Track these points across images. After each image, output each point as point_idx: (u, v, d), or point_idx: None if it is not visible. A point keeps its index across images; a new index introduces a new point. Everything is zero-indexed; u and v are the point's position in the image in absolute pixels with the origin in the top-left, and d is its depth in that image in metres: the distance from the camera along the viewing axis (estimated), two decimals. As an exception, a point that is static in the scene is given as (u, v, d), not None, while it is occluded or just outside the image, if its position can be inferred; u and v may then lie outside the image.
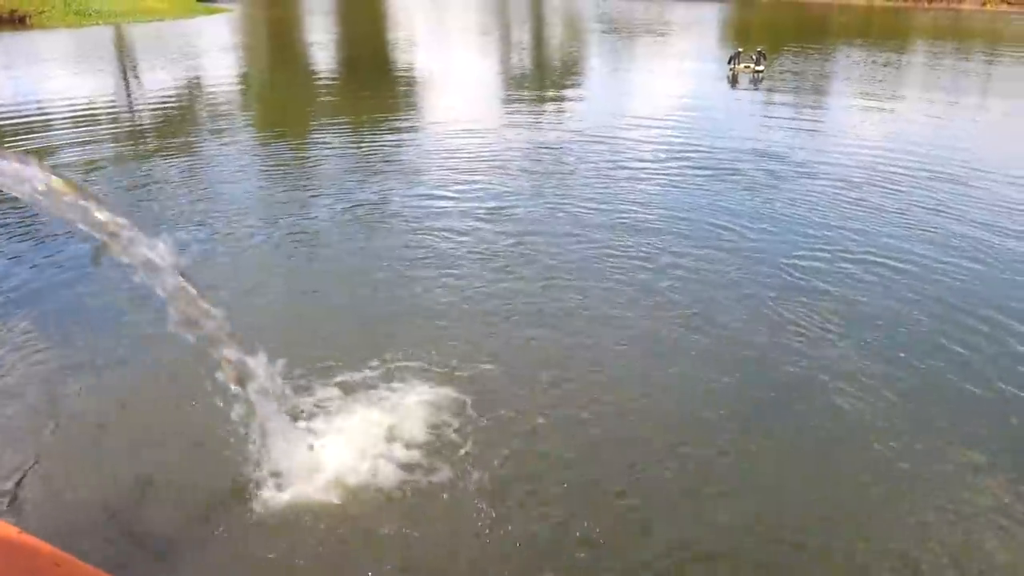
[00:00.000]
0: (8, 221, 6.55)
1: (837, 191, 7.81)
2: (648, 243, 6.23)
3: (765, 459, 3.66)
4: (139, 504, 3.29)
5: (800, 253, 6.10)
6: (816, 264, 5.87)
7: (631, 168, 8.57)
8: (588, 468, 3.55)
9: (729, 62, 16.53)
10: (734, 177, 8.26)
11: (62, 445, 3.70)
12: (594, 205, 7.20)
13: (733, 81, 15.61)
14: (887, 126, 11.56)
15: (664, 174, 8.36)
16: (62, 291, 5.29)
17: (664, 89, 14.78)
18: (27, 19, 26.01)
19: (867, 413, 3.96)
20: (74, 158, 9.07)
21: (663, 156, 9.14)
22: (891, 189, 7.92)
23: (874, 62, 18.65)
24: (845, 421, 3.92)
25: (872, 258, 6.00)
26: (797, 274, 5.67)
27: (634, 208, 7.13)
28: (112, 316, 4.87)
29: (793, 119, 11.88)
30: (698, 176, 8.29)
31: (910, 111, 12.88)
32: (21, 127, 10.90)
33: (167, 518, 3.20)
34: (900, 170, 8.64)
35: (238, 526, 3.15)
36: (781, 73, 16.52)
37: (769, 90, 14.62)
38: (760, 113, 12.50)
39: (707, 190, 7.79)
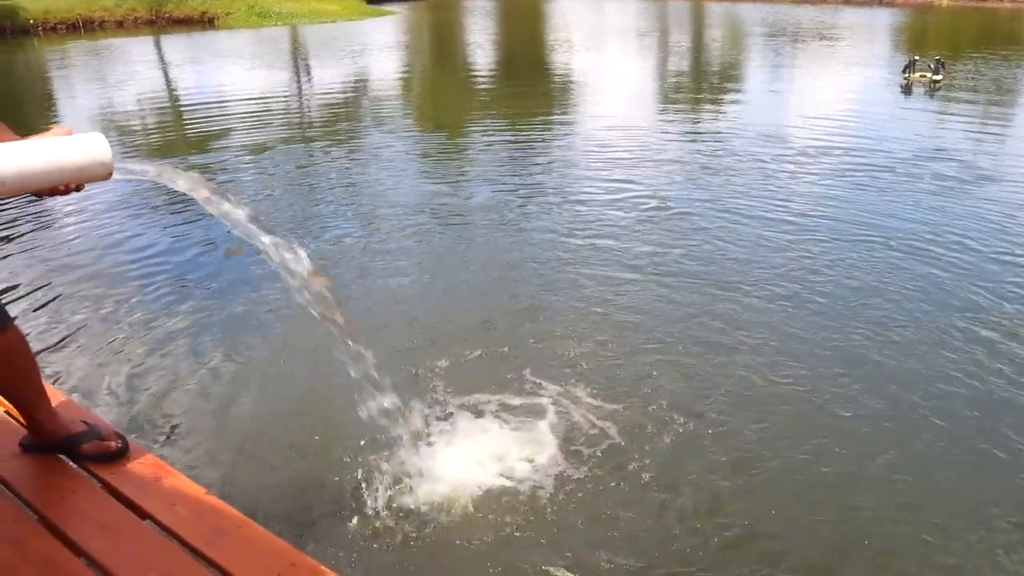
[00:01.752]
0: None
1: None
2: (822, 253, 5.76)
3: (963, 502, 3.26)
4: (301, 476, 3.38)
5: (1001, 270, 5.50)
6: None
7: (799, 172, 8.08)
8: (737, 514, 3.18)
9: (904, 70, 15.42)
10: (914, 185, 7.62)
11: (232, 415, 3.89)
12: (759, 208, 6.81)
13: (907, 90, 14.57)
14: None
15: (836, 179, 7.83)
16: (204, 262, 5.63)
17: (831, 96, 13.95)
18: (215, 20, 28.26)
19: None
20: (245, 140, 9.72)
21: (834, 163, 8.51)
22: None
23: (1073, 72, 16.87)
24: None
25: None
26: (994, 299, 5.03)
27: (805, 212, 6.70)
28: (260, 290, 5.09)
29: (978, 129, 10.86)
30: (875, 183, 7.67)
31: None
32: (202, 111, 11.82)
33: (322, 491, 3.25)
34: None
35: (388, 508, 3.12)
36: (961, 82, 15.25)
37: (947, 100, 13.51)
38: (939, 122, 11.51)
39: (884, 198, 7.21)
